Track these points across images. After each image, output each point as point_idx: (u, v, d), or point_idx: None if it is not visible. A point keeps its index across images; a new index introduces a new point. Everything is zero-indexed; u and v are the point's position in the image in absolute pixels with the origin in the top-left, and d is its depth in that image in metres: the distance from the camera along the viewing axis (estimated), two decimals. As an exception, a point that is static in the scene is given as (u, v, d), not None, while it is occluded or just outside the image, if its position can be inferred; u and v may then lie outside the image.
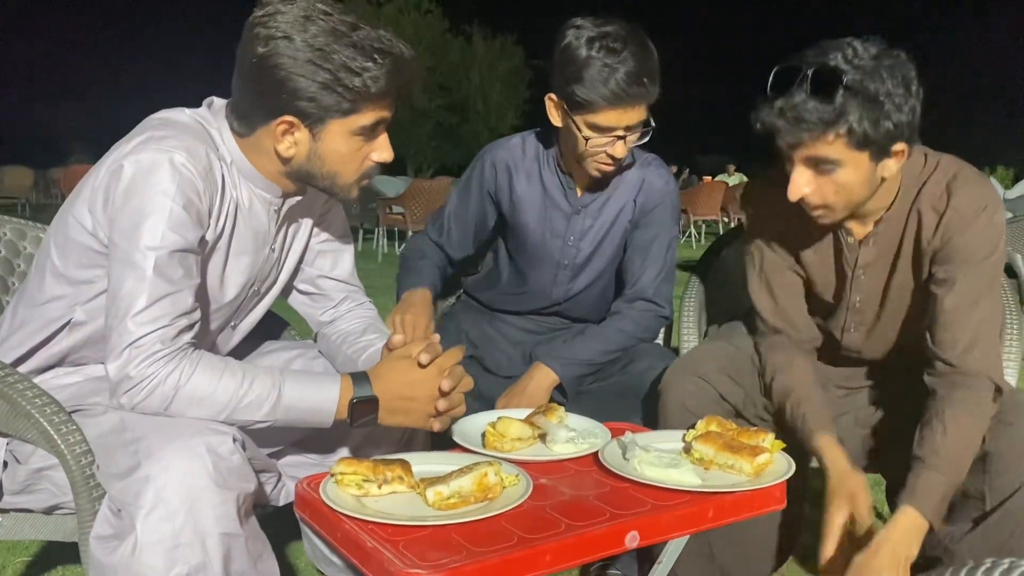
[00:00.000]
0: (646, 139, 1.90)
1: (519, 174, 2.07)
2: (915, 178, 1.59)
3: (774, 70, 1.44)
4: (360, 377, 1.39)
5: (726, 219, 13.43)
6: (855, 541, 1.45)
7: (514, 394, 1.96)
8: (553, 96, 1.88)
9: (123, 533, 1.19)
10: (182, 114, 1.42)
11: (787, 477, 1.30)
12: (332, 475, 1.23)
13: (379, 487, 1.21)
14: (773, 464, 1.34)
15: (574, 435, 1.44)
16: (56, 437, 1.29)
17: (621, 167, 1.98)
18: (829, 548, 1.45)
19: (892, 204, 1.60)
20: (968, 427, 1.48)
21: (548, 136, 2.06)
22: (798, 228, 1.68)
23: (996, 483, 1.43)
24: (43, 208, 16.05)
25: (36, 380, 1.41)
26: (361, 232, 11.13)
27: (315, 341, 1.77)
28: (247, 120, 1.39)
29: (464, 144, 31.54)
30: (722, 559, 1.72)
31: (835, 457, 1.52)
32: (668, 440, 1.46)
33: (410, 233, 8.83)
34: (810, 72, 1.40)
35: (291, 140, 1.37)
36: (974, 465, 1.48)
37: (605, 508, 1.19)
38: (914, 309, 1.66)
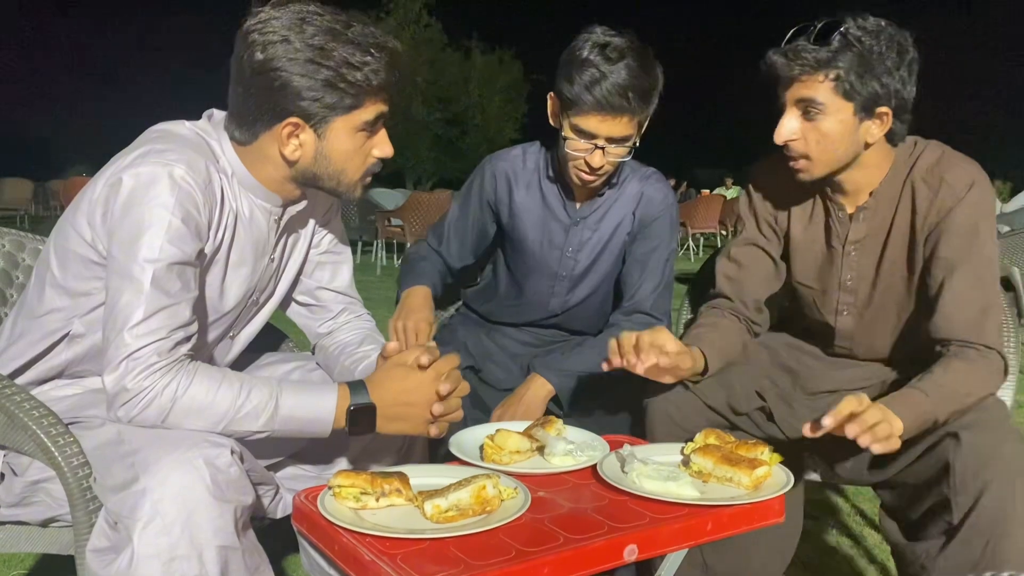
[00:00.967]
0: (627, 157, 1.90)
1: (519, 185, 2.08)
2: (907, 157, 1.65)
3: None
4: (357, 385, 1.39)
5: (724, 232, 13.46)
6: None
7: (510, 405, 1.96)
8: (553, 94, 1.90)
9: (120, 546, 1.18)
10: (182, 127, 1.43)
11: (786, 490, 1.30)
12: (330, 488, 1.22)
13: (377, 500, 1.21)
14: (771, 477, 1.34)
15: (572, 448, 1.43)
16: (53, 449, 1.29)
17: (607, 182, 1.99)
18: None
19: (884, 181, 1.64)
20: (968, 376, 1.50)
21: (549, 148, 2.07)
22: (791, 201, 1.75)
23: (960, 499, 1.42)
24: (42, 220, 16.07)
25: (34, 392, 1.41)
26: (360, 245, 11.14)
27: (313, 353, 1.77)
28: (249, 128, 1.39)
29: (463, 157, 31.60)
30: (717, 570, 1.71)
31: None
32: (666, 453, 1.46)
33: (408, 246, 8.83)
34: (819, 24, 1.54)
35: (296, 142, 1.38)
36: (938, 476, 1.47)
37: (603, 521, 1.19)
38: (907, 296, 1.68)
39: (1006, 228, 7.43)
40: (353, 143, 1.40)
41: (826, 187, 1.69)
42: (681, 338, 1.75)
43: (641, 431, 1.77)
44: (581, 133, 1.84)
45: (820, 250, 1.74)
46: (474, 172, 2.17)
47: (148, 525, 1.15)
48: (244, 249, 1.47)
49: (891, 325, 1.73)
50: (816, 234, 1.74)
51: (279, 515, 1.49)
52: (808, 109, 1.56)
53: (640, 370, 1.53)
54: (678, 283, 2.23)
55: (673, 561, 1.45)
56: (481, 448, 1.44)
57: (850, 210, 1.69)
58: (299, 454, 1.59)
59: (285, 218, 1.52)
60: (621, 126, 1.82)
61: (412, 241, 9.24)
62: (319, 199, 1.60)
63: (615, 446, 1.45)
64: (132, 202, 1.28)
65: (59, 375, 1.47)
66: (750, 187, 1.85)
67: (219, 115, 1.45)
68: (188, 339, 1.32)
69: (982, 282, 1.56)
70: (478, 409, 2.02)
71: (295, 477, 1.58)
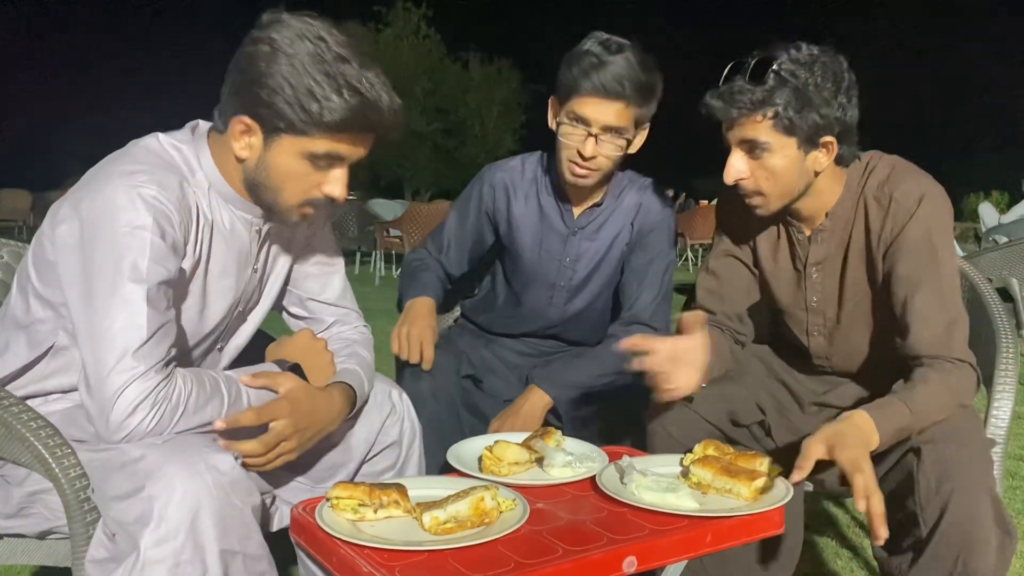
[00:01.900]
0: (619, 153, 1.92)
1: (517, 195, 2.09)
2: (859, 176, 1.65)
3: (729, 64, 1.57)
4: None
5: (722, 243, 13.41)
6: None
7: (508, 416, 1.96)
8: (553, 97, 1.93)
9: (120, 556, 1.19)
10: (154, 141, 1.42)
11: (785, 502, 1.30)
12: (328, 499, 1.22)
13: (375, 511, 1.21)
14: (771, 488, 1.34)
15: (571, 459, 1.43)
16: (51, 460, 1.28)
17: (600, 184, 2.00)
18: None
19: (837, 202, 1.65)
20: (944, 388, 1.50)
21: (548, 159, 2.07)
22: (756, 228, 1.75)
23: (926, 513, 1.41)
24: (41, 231, 16.01)
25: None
26: (359, 255, 11.14)
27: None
28: (223, 114, 1.40)
29: (461, 167, 31.61)
30: None
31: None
32: (665, 464, 1.46)
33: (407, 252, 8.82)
34: (752, 61, 1.53)
35: (246, 142, 1.38)
36: (905, 490, 1.46)
37: (603, 533, 1.19)
38: (874, 314, 1.68)
39: (1004, 239, 7.44)
40: (296, 167, 1.38)
41: (785, 214, 1.69)
42: None
43: (640, 442, 1.77)
44: (576, 119, 1.86)
45: (787, 273, 1.76)
46: (472, 181, 2.18)
47: (155, 531, 1.16)
48: (226, 261, 1.48)
49: (864, 342, 1.73)
50: (782, 258, 1.76)
51: (275, 528, 1.48)
52: (753, 148, 1.56)
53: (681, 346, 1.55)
54: (677, 294, 2.23)
55: (672, 573, 1.44)
56: (480, 459, 1.44)
57: (808, 232, 1.70)
58: (296, 466, 1.59)
59: (267, 228, 1.53)
60: (616, 113, 1.84)
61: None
62: None
63: (614, 457, 1.45)
64: (106, 228, 1.28)
65: (49, 387, 1.45)
66: (718, 215, 1.86)
67: (204, 127, 1.46)
68: (177, 355, 1.34)
69: (943, 298, 1.56)
70: (477, 418, 2.02)
71: (292, 489, 1.57)
